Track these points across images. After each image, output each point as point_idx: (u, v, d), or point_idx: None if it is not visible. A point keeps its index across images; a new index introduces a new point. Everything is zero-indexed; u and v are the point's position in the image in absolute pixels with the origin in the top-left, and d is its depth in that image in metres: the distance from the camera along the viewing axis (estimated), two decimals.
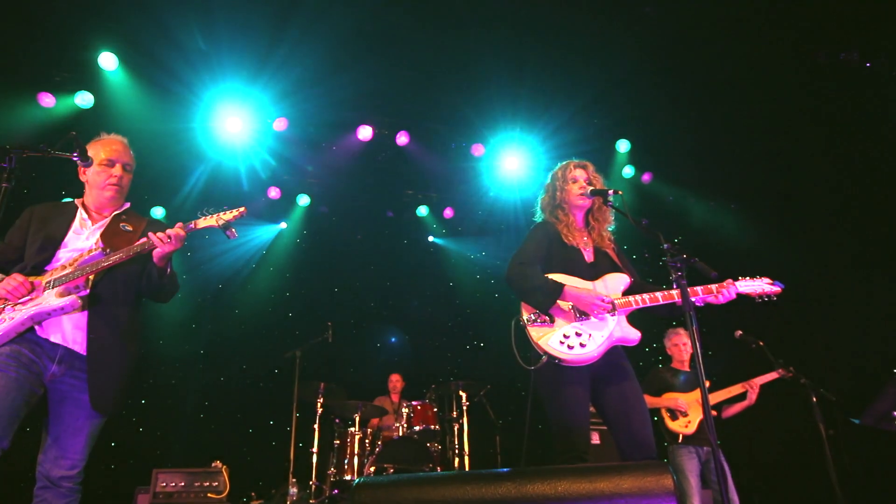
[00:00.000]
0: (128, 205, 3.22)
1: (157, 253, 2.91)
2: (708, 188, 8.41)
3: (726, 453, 5.16)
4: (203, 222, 2.99)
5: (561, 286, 3.18)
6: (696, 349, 2.75)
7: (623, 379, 3.20)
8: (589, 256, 3.44)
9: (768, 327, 6.04)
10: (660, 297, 3.22)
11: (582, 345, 3.11)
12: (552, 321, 3.19)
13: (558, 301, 3.18)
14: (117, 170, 3.10)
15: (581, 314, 3.20)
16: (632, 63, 7.02)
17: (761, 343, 5.22)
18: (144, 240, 2.91)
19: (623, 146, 8.39)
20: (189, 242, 2.95)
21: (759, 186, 7.90)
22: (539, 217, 3.64)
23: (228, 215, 2.98)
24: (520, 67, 7.15)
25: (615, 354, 3.25)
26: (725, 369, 6.28)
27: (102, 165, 3.08)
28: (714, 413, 5.41)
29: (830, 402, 5.20)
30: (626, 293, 3.31)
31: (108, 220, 3.11)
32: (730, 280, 3.31)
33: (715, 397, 5.43)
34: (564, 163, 3.62)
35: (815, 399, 4.89)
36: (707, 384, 5.40)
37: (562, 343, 3.12)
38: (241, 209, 3.01)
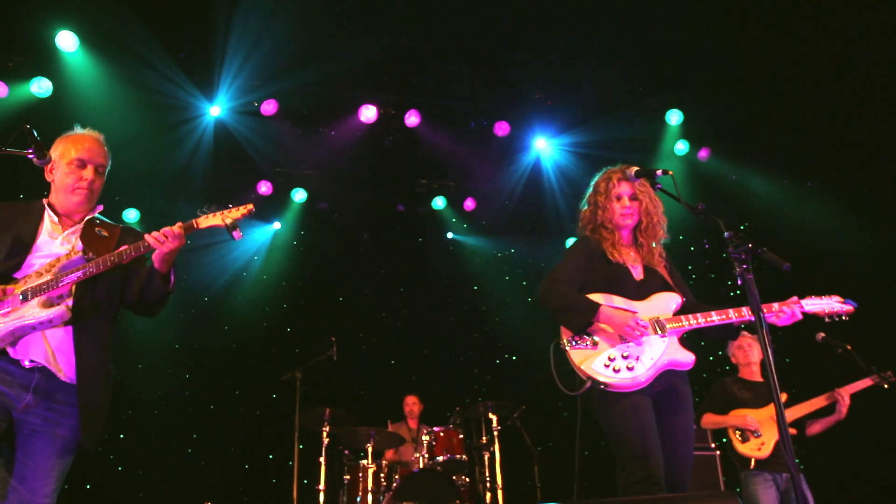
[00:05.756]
0: (100, 208, 3.24)
1: (156, 255, 2.92)
2: (779, 164, 8.30)
3: (810, 479, 5.09)
4: (205, 221, 2.99)
5: (597, 306, 3.35)
6: (767, 356, 2.76)
7: (679, 410, 3.40)
8: (638, 274, 3.60)
9: (858, 327, 5.93)
10: (715, 316, 3.40)
11: (629, 368, 3.29)
12: (595, 343, 3.38)
13: (599, 323, 3.36)
14: (88, 172, 3.08)
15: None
16: (682, 18, 6.93)
17: (849, 347, 5.15)
18: (138, 242, 2.92)
19: (674, 118, 8.29)
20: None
21: (842, 159, 7.78)
22: (581, 230, 3.78)
23: (236, 213, 3.00)
24: (549, 27, 7.10)
25: (675, 376, 3.42)
26: (807, 379, 6.20)
27: (72, 166, 3.07)
28: (794, 431, 5.33)
29: None
30: (677, 314, 3.47)
31: (81, 225, 3.12)
32: (795, 297, 3.47)
33: (794, 412, 5.35)
34: (607, 172, 3.73)
35: None
36: (784, 397, 5.39)
37: (606, 367, 3.30)
38: (249, 206, 3.04)
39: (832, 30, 6.90)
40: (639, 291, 3.51)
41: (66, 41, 6.71)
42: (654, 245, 3.65)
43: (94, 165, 3.10)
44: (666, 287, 3.57)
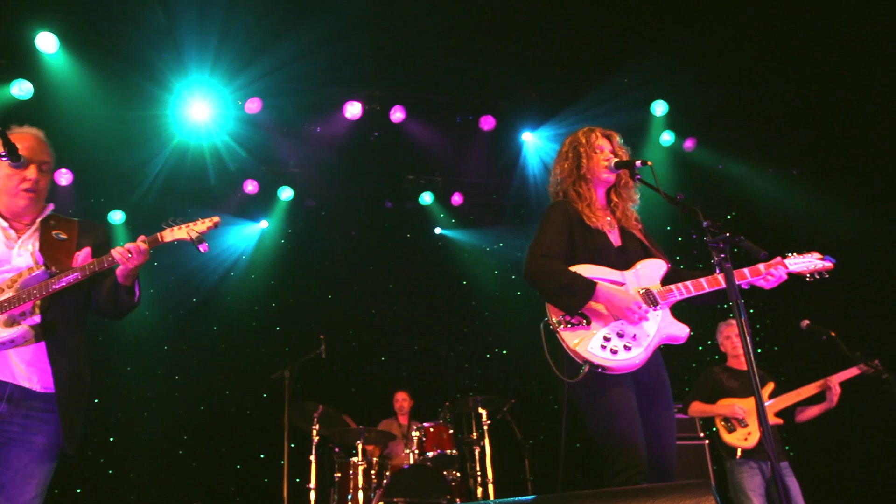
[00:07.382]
0: (51, 206, 3.15)
1: (120, 271, 2.90)
2: (764, 152, 8.32)
3: (797, 466, 5.13)
4: (171, 235, 2.99)
5: (593, 285, 3.16)
6: (746, 345, 2.74)
7: (663, 394, 3.27)
8: (616, 240, 3.46)
9: (843, 314, 5.98)
10: (705, 283, 3.25)
11: (627, 348, 3.12)
12: (588, 322, 3.18)
13: (595, 302, 3.18)
14: (31, 172, 2.98)
15: None
16: (666, 7, 6.93)
17: (833, 334, 5.18)
18: (103, 257, 2.90)
19: (659, 108, 8.29)
20: (155, 251, 2.97)
21: (827, 147, 7.80)
22: (553, 191, 3.67)
23: (201, 226, 3.00)
24: (532, 19, 7.09)
25: (656, 358, 3.28)
26: (796, 366, 6.24)
27: (12, 167, 2.94)
28: (780, 421, 5.36)
29: None
30: (664, 281, 3.33)
31: (36, 229, 3.05)
32: (778, 258, 3.34)
33: (784, 400, 5.38)
34: (586, 129, 3.61)
35: None
36: (771, 385, 5.42)
37: (603, 348, 3.11)
38: (215, 219, 3.03)
39: (817, 19, 6.91)
40: (619, 259, 3.37)
41: (47, 43, 6.65)
42: (628, 208, 3.54)
43: (36, 164, 3.00)
44: (646, 253, 3.44)
